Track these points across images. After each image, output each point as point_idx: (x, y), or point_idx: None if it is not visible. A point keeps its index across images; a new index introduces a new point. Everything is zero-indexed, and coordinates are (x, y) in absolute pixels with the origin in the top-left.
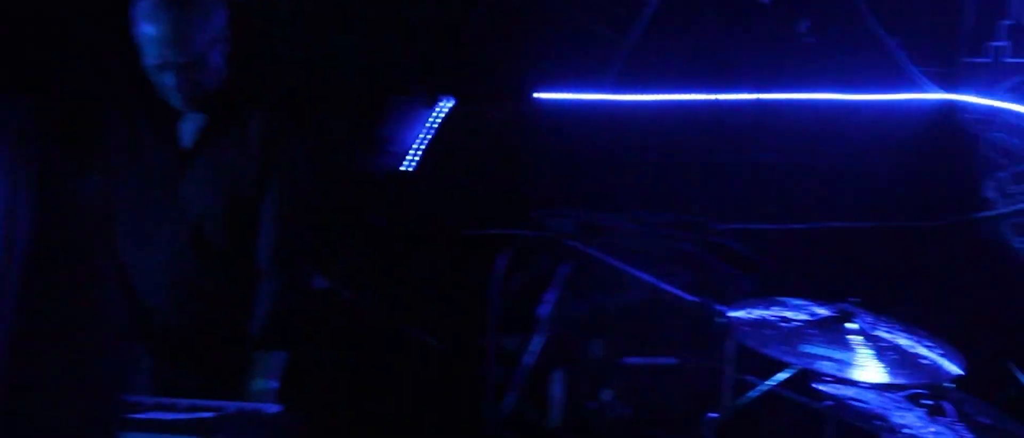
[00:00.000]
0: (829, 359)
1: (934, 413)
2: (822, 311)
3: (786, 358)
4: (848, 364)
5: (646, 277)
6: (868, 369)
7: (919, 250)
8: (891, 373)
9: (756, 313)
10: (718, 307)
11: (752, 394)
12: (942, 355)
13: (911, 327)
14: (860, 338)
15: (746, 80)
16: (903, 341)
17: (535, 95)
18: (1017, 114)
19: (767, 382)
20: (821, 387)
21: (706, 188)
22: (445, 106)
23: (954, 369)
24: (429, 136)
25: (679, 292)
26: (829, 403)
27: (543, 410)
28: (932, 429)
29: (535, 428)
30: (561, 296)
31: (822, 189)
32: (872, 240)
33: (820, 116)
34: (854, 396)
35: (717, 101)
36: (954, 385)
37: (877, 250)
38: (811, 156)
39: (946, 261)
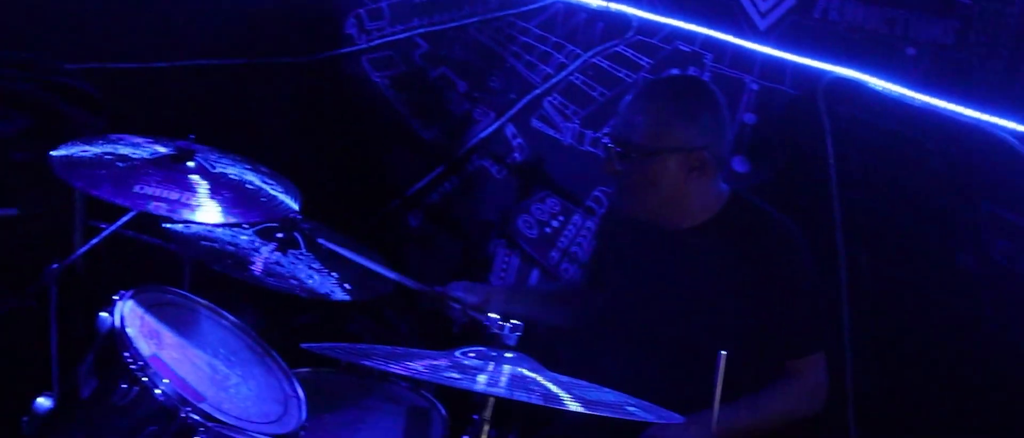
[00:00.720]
0: (163, 200)
1: (286, 246)
2: (163, 149)
3: (120, 201)
4: (184, 205)
5: None
6: (205, 208)
7: (285, 86)
8: (228, 211)
9: (91, 151)
10: None
11: (96, 240)
12: (282, 192)
13: (256, 165)
14: (198, 177)
15: None
16: (247, 178)
17: None
18: None
19: (111, 227)
20: (172, 228)
21: (55, 24)
22: None
23: (292, 204)
24: None
25: None
26: (176, 245)
27: None
28: (284, 259)
29: None
30: None
31: (181, 26)
32: (239, 77)
33: None
34: (205, 234)
35: None
36: (302, 217)
37: (243, 87)
38: None
39: (313, 96)
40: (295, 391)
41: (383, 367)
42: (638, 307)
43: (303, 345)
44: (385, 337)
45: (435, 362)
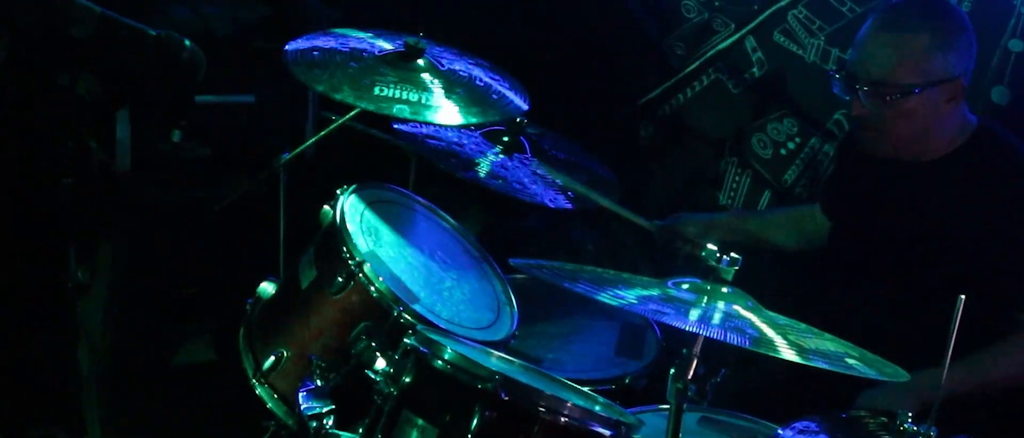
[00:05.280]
0: (405, 102)
1: (511, 150)
2: (388, 45)
3: (364, 105)
4: (424, 106)
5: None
6: (443, 109)
7: None
8: (465, 111)
9: (321, 48)
10: (180, 40)
11: (325, 131)
12: (510, 89)
13: (480, 60)
14: (429, 75)
15: None
16: (476, 74)
17: None
18: None
19: (340, 120)
20: (399, 126)
21: None
22: None
23: (521, 104)
24: None
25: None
26: (403, 141)
27: (110, 152)
28: (510, 163)
29: (104, 171)
30: None
31: None
32: None
33: None
34: (432, 134)
35: None
36: (527, 119)
37: None
38: None
39: None
40: (509, 298)
41: (588, 292)
42: (871, 242)
43: (511, 260)
44: (607, 248)
45: (645, 292)
